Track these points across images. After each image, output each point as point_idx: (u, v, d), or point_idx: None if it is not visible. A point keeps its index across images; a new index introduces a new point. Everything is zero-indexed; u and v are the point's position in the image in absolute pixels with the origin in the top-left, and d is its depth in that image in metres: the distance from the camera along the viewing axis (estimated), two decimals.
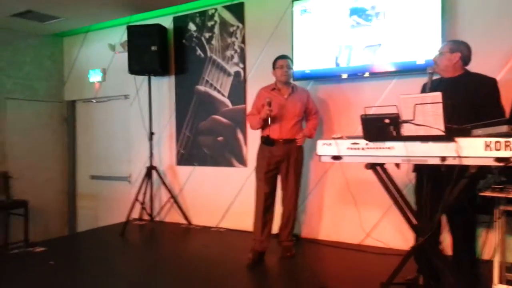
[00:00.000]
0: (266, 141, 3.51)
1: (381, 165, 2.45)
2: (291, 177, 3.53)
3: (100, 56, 5.71)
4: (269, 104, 3.35)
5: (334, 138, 2.45)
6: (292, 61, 3.68)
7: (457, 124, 2.11)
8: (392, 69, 3.63)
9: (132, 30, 4.90)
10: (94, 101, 5.96)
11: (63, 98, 6.16)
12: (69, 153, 6.18)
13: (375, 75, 3.74)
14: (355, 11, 3.77)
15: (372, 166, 2.40)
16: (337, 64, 3.87)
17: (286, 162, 3.50)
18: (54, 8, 4.83)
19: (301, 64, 4.04)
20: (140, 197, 4.87)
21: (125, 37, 5.08)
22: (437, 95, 2.05)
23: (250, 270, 3.32)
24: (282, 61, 3.55)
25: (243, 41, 4.57)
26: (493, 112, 2.56)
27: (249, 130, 4.52)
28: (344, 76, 3.86)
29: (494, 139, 1.98)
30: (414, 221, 2.47)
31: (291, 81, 3.68)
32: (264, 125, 3.50)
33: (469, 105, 2.53)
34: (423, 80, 2.80)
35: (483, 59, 3.28)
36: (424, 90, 2.84)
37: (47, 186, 5.93)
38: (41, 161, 5.88)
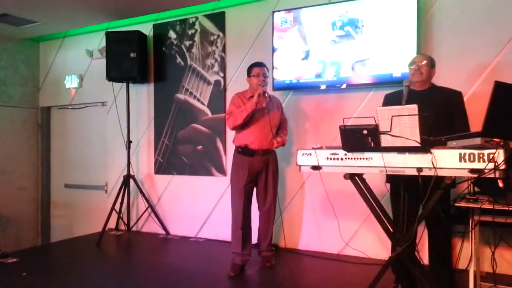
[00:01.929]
0: (245, 152, 3.43)
1: (360, 175, 2.50)
2: (270, 188, 3.50)
3: (77, 62, 5.64)
4: (264, 93, 3.31)
5: (313, 148, 2.50)
6: (268, 69, 3.58)
7: (432, 136, 2.19)
8: (369, 81, 3.72)
9: (111, 36, 4.86)
10: (70, 107, 5.87)
11: (37, 104, 6.04)
12: (43, 160, 6.05)
13: (352, 86, 3.82)
14: (335, 25, 3.85)
15: (350, 176, 2.45)
16: (317, 75, 3.94)
17: (264, 173, 3.48)
18: (31, 12, 4.77)
19: (281, 74, 4.09)
20: (117, 207, 4.81)
21: (103, 43, 5.05)
22: (413, 107, 2.12)
23: (229, 281, 3.31)
24: (258, 69, 3.45)
25: (223, 50, 4.60)
26: (464, 123, 2.67)
27: (229, 139, 4.53)
28: (323, 87, 3.93)
29: (468, 151, 2.06)
30: (392, 231, 2.52)
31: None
32: (245, 125, 3.40)
33: (441, 117, 2.63)
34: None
35: (456, 73, 3.42)
36: (387, 101, 2.94)
37: (19, 194, 5.79)
38: (14, 169, 5.74)
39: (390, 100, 2.89)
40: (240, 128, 3.45)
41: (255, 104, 3.30)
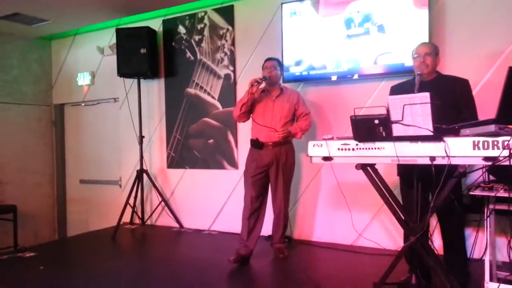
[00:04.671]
0: (255, 144, 3.51)
1: (372, 165, 2.47)
2: (280, 181, 3.50)
3: (89, 59, 5.68)
4: (265, 78, 3.41)
5: (324, 139, 2.47)
6: (280, 63, 3.66)
7: (442, 124, 2.14)
8: (381, 71, 3.68)
9: (121, 33, 4.87)
10: (83, 104, 5.92)
11: (51, 102, 6.11)
12: (57, 157, 6.13)
13: (364, 77, 3.78)
14: (352, 23, 3.79)
15: (362, 167, 2.43)
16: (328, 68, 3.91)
17: (275, 166, 3.48)
18: (42, 11, 4.80)
19: (291, 66, 4.06)
20: (131, 201, 4.85)
21: (114, 40, 5.07)
22: (425, 95, 2.08)
23: (243, 272, 3.31)
24: (267, 63, 3.57)
25: (233, 44, 4.58)
26: (472, 111, 2.63)
27: (240, 133, 4.54)
28: (334, 78, 3.89)
29: (482, 139, 2.02)
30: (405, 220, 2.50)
31: (281, 82, 3.70)
32: (247, 114, 3.52)
33: (449, 106, 2.58)
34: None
35: (469, 61, 3.35)
36: (393, 92, 2.88)
37: (36, 190, 5.88)
38: (30, 166, 5.82)
39: (397, 92, 2.83)
40: (241, 119, 3.59)
41: (247, 93, 3.38)
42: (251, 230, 3.49)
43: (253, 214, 3.49)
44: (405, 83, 2.89)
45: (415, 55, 2.78)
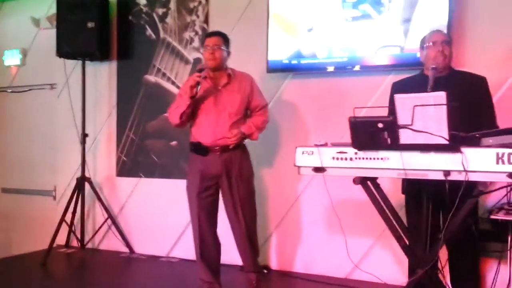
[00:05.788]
0: (197, 149, 3.36)
1: (373, 179, 2.52)
2: (237, 198, 3.37)
3: (19, 33, 5.63)
4: (199, 70, 3.24)
5: (316, 146, 2.51)
6: (226, 38, 3.45)
7: (460, 132, 2.19)
8: (389, 62, 3.75)
9: (63, 1, 4.84)
10: (9, 90, 5.85)
11: None
12: None
13: (367, 69, 3.85)
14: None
15: (362, 181, 2.47)
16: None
17: (226, 177, 3.34)
18: None
19: (277, 52, 4.10)
20: (68, 217, 4.81)
21: (53, 10, 5.03)
22: (441, 95, 2.14)
23: None
24: (208, 40, 3.36)
25: (205, 21, 4.61)
26: (491, 115, 2.72)
27: None
28: (330, 69, 3.95)
29: (507, 151, 2.06)
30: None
31: (227, 66, 3.48)
32: (187, 118, 3.35)
33: (466, 109, 2.64)
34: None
35: (495, 53, 3.44)
36: (396, 91, 2.94)
37: None
38: None
39: (400, 90, 2.86)
40: (183, 126, 3.43)
41: (188, 99, 3.22)
42: (208, 264, 3.39)
43: (206, 243, 3.38)
44: (410, 79, 2.96)
45: (428, 44, 2.82)
